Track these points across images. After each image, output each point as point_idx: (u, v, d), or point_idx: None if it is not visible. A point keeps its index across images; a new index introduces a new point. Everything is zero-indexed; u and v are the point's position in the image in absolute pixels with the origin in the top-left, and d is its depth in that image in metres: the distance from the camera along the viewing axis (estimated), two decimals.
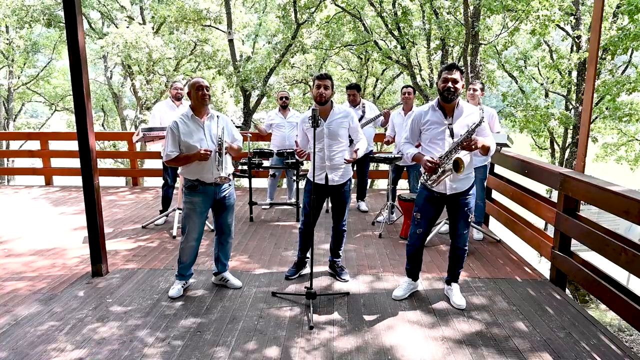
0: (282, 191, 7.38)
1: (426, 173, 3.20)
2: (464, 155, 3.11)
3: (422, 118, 3.23)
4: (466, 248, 3.38)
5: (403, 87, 5.41)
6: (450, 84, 3.05)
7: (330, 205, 3.89)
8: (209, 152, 3.19)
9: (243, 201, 6.61)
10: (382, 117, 5.60)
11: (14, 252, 4.51)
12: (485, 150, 3.12)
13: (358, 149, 3.51)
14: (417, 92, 12.94)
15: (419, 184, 3.37)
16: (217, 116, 3.33)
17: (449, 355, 2.74)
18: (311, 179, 3.60)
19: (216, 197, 3.41)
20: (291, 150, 5.44)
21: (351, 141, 3.68)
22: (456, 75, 3.06)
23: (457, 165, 3.00)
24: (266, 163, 5.70)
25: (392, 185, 5.40)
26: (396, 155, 5.19)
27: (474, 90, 4.59)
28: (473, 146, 3.01)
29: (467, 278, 3.88)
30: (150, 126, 4.80)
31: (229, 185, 3.49)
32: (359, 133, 3.67)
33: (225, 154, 3.33)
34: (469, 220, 3.30)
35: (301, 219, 3.78)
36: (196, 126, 3.27)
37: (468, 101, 4.72)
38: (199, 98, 3.24)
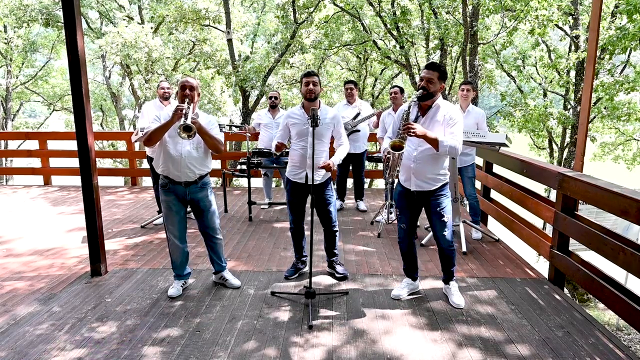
0: (281, 191, 7.38)
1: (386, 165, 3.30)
2: (422, 159, 3.16)
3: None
4: (452, 248, 3.35)
5: (391, 88, 5.48)
6: (423, 83, 3.04)
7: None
8: (181, 107, 3.09)
9: (242, 201, 6.62)
10: (375, 117, 5.66)
11: (13, 251, 4.51)
12: (431, 142, 3.02)
13: (333, 160, 3.48)
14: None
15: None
16: (196, 113, 3.29)
17: (448, 356, 2.74)
18: (291, 178, 3.62)
19: (187, 198, 3.38)
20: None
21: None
22: (432, 75, 3.02)
23: (395, 146, 2.99)
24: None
25: (390, 185, 5.40)
26: None
27: (467, 90, 4.73)
28: (412, 132, 2.93)
29: (466, 277, 3.89)
30: (142, 126, 4.80)
31: (201, 188, 3.41)
32: (342, 137, 3.65)
33: (195, 127, 3.10)
34: (443, 220, 3.26)
35: (289, 217, 3.79)
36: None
37: (459, 103, 4.80)
38: (180, 98, 3.28)
